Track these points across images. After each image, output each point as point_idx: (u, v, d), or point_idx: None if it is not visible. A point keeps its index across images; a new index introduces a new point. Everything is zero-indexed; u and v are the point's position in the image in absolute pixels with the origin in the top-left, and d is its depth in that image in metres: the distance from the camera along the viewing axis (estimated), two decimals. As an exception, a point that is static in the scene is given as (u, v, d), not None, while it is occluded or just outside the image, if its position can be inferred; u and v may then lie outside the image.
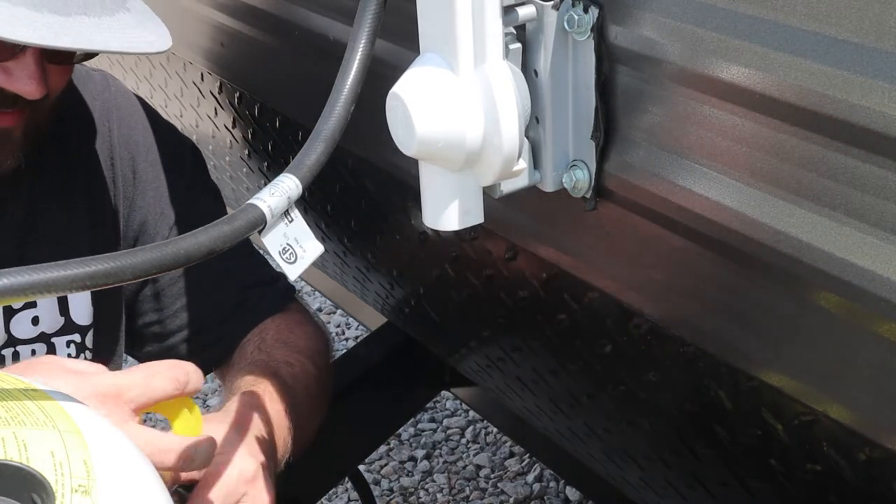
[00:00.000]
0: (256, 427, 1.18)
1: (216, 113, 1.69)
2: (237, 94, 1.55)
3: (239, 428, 1.17)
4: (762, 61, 0.71)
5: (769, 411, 0.86)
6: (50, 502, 0.76)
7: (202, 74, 1.63)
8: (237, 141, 1.68)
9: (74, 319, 1.36)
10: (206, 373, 1.49)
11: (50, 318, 1.34)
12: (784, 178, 0.73)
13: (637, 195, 0.85)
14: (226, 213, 1.47)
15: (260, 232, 0.92)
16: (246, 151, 1.67)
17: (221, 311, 1.43)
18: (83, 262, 0.83)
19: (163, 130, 1.45)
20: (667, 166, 0.81)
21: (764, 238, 0.75)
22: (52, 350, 1.34)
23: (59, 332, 1.35)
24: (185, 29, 1.61)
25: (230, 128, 1.67)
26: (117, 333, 1.43)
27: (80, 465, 0.81)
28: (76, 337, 1.36)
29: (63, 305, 1.35)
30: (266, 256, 1.46)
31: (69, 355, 1.35)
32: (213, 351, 1.43)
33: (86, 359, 1.36)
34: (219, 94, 1.62)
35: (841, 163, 0.69)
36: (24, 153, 1.23)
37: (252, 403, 1.22)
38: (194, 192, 1.45)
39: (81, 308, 1.36)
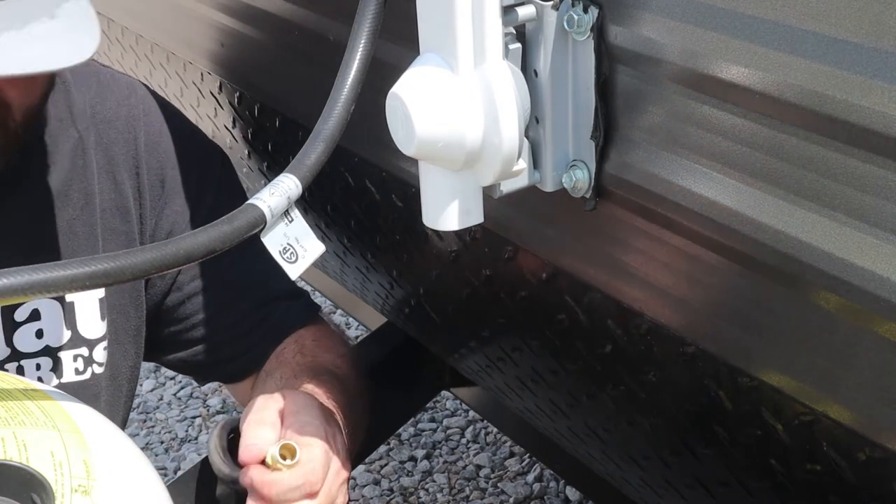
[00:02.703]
0: (332, 422, 1.19)
1: (216, 113, 1.69)
2: (237, 94, 1.55)
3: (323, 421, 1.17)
4: (762, 61, 0.71)
5: (769, 411, 0.86)
6: (50, 502, 0.76)
7: (202, 74, 1.63)
8: (237, 141, 1.68)
9: (82, 333, 1.33)
10: (229, 383, 1.48)
11: (55, 331, 1.31)
12: (784, 178, 0.73)
13: (637, 195, 0.85)
14: None
15: (260, 232, 0.92)
16: (246, 151, 1.67)
17: (246, 322, 1.41)
18: (83, 262, 0.83)
19: (191, 136, 1.43)
20: (667, 166, 0.81)
21: (764, 238, 0.75)
22: (57, 364, 1.31)
23: (66, 346, 1.32)
24: (185, 29, 1.61)
25: (230, 128, 1.67)
26: (136, 346, 1.40)
27: (80, 465, 0.81)
28: (83, 351, 1.33)
29: (70, 318, 1.32)
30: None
31: (76, 370, 1.33)
32: (237, 363, 1.41)
33: (94, 373, 1.34)
34: (219, 93, 1.62)
35: (841, 163, 0.69)
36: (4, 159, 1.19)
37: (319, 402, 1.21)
38: (223, 198, 1.41)
39: (90, 321, 1.33)
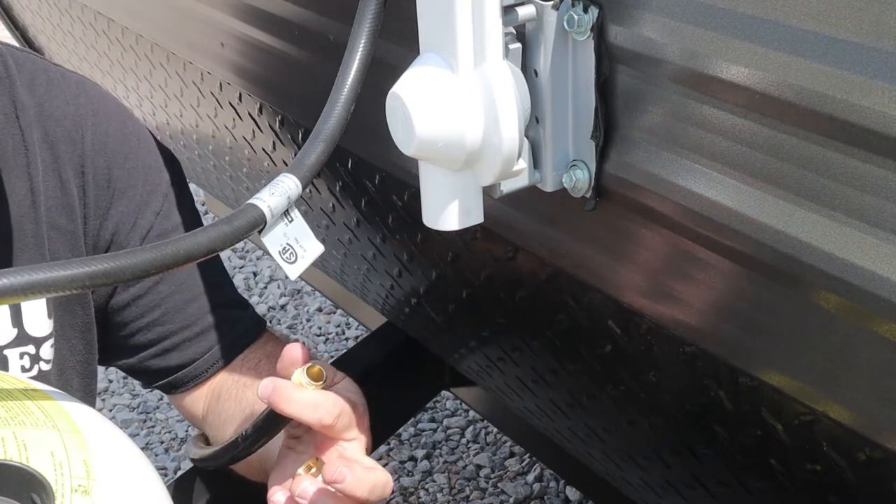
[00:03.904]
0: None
1: (216, 113, 1.69)
2: (237, 94, 1.55)
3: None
4: (762, 61, 0.71)
5: (769, 411, 0.86)
6: (50, 502, 0.76)
7: (202, 74, 1.63)
8: (237, 141, 1.68)
9: (28, 331, 1.30)
10: (172, 392, 1.45)
11: (1, 330, 1.29)
12: (784, 178, 0.73)
13: (637, 195, 0.85)
14: (202, 223, 1.43)
15: (260, 232, 0.92)
16: (246, 151, 1.67)
17: (195, 326, 1.39)
18: (83, 262, 0.83)
19: (141, 139, 1.40)
20: (667, 166, 0.81)
21: (764, 238, 0.75)
22: (4, 362, 1.29)
23: (12, 345, 1.29)
24: (185, 29, 1.61)
25: (230, 128, 1.67)
26: (84, 342, 1.38)
27: (80, 465, 0.81)
28: (30, 349, 1.31)
29: (16, 317, 1.29)
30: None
31: (23, 367, 1.30)
32: (188, 371, 1.40)
33: (41, 370, 1.31)
34: (219, 93, 1.62)
35: (841, 163, 0.69)
36: None
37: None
38: (170, 203, 1.39)
39: (37, 319, 1.31)
